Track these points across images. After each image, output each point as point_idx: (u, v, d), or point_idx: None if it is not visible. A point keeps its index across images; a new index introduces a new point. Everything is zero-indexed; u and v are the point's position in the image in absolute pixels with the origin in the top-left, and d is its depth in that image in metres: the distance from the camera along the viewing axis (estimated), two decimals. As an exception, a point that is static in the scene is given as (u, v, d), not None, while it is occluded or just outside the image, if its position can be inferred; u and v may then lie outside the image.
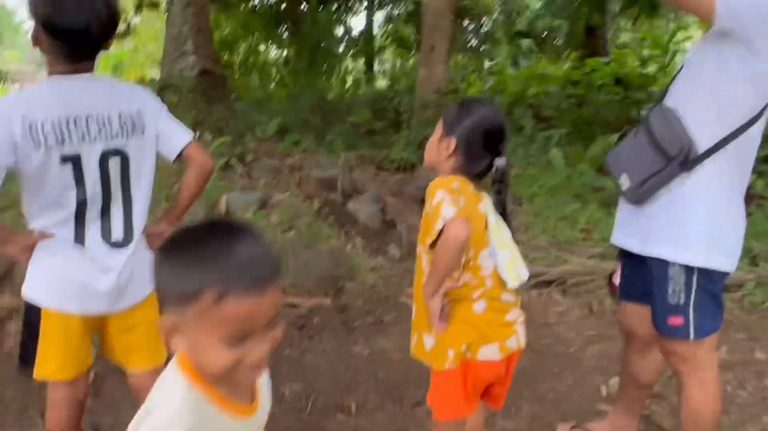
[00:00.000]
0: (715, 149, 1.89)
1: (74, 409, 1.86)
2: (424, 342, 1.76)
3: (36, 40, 1.68)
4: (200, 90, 5.87)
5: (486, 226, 1.71)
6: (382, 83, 12.24)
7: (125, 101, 1.79)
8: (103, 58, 13.44)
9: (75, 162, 1.70)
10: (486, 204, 1.74)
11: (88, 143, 1.71)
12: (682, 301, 1.96)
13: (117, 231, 1.81)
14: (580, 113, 8.88)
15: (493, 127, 1.72)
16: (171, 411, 0.99)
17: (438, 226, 1.57)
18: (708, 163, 1.91)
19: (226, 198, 4.74)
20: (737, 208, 2.00)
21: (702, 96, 1.91)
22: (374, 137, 7.36)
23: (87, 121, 1.70)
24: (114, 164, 1.77)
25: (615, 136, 6.56)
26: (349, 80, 12.37)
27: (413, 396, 2.81)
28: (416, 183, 5.73)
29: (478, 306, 1.71)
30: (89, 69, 1.74)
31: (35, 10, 1.66)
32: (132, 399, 2.38)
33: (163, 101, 5.37)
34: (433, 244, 1.62)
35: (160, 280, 0.97)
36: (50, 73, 1.73)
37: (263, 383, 1.15)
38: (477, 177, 1.76)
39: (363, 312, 3.77)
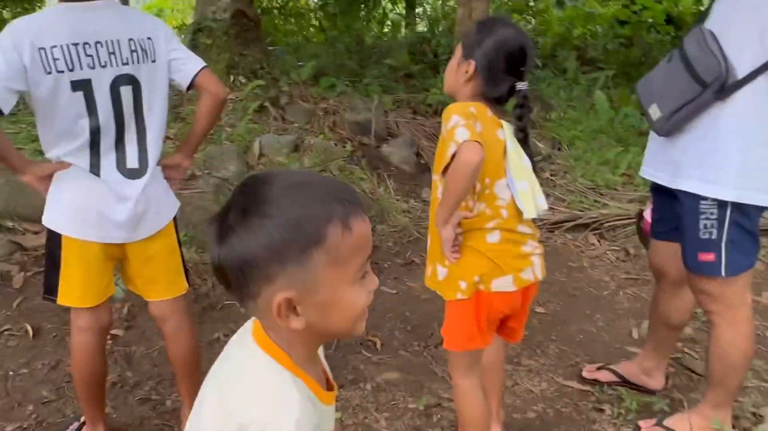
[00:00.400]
0: (755, 75, 1.76)
1: (97, 335, 1.91)
2: (438, 273, 1.72)
3: (43, -35, 1.67)
4: (234, 33, 5.78)
5: (504, 154, 1.64)
6: (422, 27, 11.92)
7: (136, 28, 1.76)
8: (145, 6, 13.46)
9: (86, 89, 1.69)
10: (505, 131, 1.66)
11: (99, 69, 1.70)
12: (713, 237, 1.87)
13: (132, 161, 1.81)
14: (628, 54, 8.48)
15: (514, 48, 1.62)
16: (289, 418, 0.84)
17: (451, 151, 1.51)
18: (746, 90, 1.78)
19: (260, 141, 4.73)
20: None
21: (743, 16, 1.77)
22: (412, 81, 7.19)
23: (97, 46, 1.69)
24: (126, 92, 1.76)
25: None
26: (388, 23, 12.09)
27: (438, 334, 2.79)
28: (452, 126, 5.62)
29: (493, 237, 1.65)
30: None
31: None
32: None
33: (196, 44, 5.29)
34: (447, 170, 1.56)
35: (268, 250, 0.82)
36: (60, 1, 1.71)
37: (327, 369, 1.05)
38: (497, 102, 1.67)
39: (393, 254, 3.76)
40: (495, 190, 1.63)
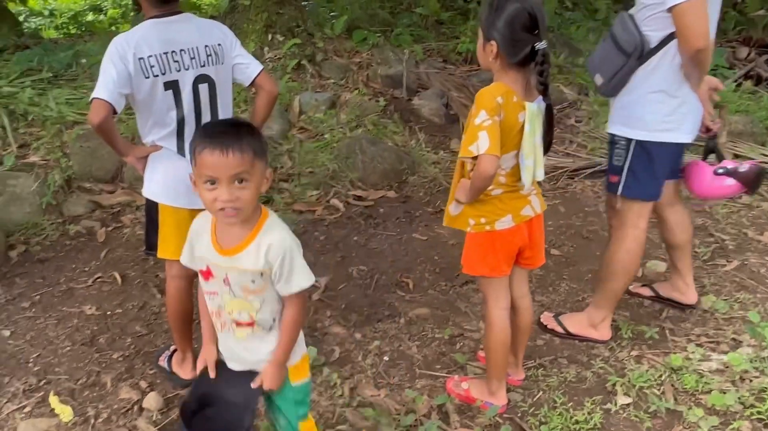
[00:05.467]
0: (664, 43, 2.30)
1: (187, 281, 2.40)
2: (451, 210, 2.16)
3: (132, -10, 2.07)
4: (270, -9, 6.06)
5: (520, 133, 1.98)
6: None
7: (208, 36, 2.17)
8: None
9: (174, 87, 2.13)
10: (527, 113, 1.98)
11: (183, 71, 2.13)
12: (620, 164, 2.49)
13: (207, 144, 2.24)
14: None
15: (524, 19, 1.90)
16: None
17: (474, 150, 1.89)
18: (659, 54, 2.32)
19: (299, 98, 5.10)
20: (688, 91, 2.38)
21: (651, 2, 2.27)
22: (442, 28, 7.37)
23: (181, 53, 2.11)
24: (203, 88, 2.19)
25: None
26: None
27: (463, 276, 3.23)
28: (480, 76, 5.88)
29: (495, 192, 2.07)
30: (176, 11, 2.12)
31: None
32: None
33: (235, 6, 5.73)
34: (473, 159, 1.94)
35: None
36: (147, 17, 2.11)
37: (270, 245, 1.55)
38: (523, 64, 1.96)
39: (423, 203, 4.17)
40: (500, 161, 1.99)
